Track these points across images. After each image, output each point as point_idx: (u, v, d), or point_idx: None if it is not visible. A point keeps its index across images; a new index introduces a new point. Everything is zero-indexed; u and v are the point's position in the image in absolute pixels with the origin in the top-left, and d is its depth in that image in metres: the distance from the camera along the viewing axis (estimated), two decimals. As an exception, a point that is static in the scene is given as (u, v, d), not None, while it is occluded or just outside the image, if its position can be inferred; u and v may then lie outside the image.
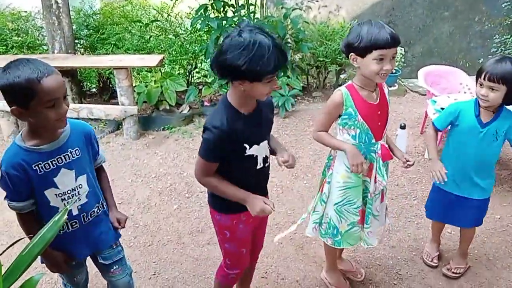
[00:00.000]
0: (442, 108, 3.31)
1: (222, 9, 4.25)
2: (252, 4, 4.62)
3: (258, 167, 1.71)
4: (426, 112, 3.87)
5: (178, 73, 4.94)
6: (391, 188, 3.28)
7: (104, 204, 1.76)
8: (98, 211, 1.72)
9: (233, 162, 1.65)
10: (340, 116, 1.87)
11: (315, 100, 5.07)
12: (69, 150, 1.57)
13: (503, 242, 2.72)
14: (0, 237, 2.88)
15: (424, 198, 3.15)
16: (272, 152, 1.77)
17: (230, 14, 4.43)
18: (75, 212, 1.63)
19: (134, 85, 4.18)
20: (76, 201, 1.62)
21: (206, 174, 1.66)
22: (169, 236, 2.83)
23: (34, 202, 1.57)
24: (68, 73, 4.04)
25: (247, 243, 1.87)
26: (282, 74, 4.53)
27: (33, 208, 1.58)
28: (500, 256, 2.60)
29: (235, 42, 1.44)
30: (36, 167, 1.50)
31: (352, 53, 1.76)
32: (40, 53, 4.64)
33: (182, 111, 4.55)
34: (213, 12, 4.37)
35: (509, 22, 6.24)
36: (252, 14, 4.56)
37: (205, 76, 5.37)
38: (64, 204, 1.59)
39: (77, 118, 3.95)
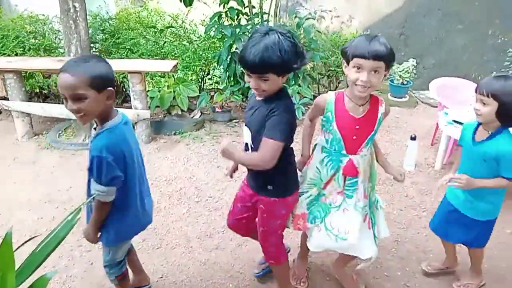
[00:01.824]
0: (454, 121, 3.31)
1: (236, 17, 4.30)
2: (266, 13, 4.67)
3: (243, 145, 1.94)
4: (437, 124, 3.86)
5: (191, 79, 4.99)
6: (400, 199, 3.28)
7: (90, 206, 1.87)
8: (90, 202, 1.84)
9: None
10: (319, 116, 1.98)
11: (326, 109, 5.08)
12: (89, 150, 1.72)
13: (513, 257, 2.69)
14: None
15: (433, 210, 3.12)
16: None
17: (243, 22, 4.48)
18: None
19: (147, 89, 4.23)
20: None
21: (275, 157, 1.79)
22: (178, 240, 2.84)
23: None
24: (83, 76, 4.10)
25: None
26: (293, 82, 4.56)
27: None
28: (511, 271, 2.57)
29: (258, 28, 1.68)
30: None
31: (344, 60, 1.82)
32: (56, 56, 4.72)
33: (193, 116, 4.59)
34: (227, 19, 4.42)
35: (523, 36, 6.20)
36: (265, 23, 4.60)
37: (217, 82, 5.42)
38: None
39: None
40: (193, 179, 3.58)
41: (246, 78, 1.72)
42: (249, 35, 1.67)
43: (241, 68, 1.73)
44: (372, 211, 2.09)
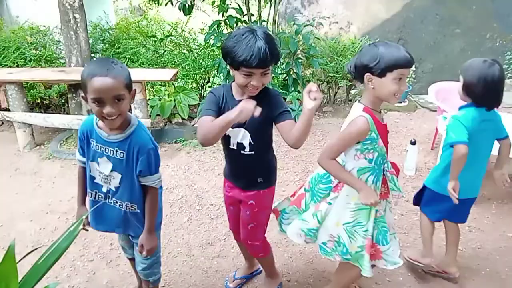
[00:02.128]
0: (453, 125, 3.31)
1: (235, 25, 4.33)
2: (265, 21, 4.71)
3: (231, 147, 1.93)
4: (436, 128, 3.87)
5: (191, 87, 5.02)
6: (401, 204, 3.28)
7: (136, 207, 1.86)
8: (131, 208, 1.86)
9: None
10: (359, 142, 1.80)
11: (326, 115, 5.11)
12: (116, 148, 1.74)
13: (515, 261, 2.69)
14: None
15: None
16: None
17: (242, 30, 4.50)
18: (104, 189, 1.85)
19: (148, 98, 4.26)
20: (107, 183, 1.83)
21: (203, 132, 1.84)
22: (179, 248, 2.85)
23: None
24: (84, 86, 4.14)
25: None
26: (293, 88, 4.59)
27: (82, 163, 1.88)
28: (512, 275, 2.57)
29: (235, 33, 1.72)
30: (92, 141, 1.77)
31: (368, 74, 1.72)
32: (57, 66, 4.76)
33: (194, 124, 4.62)
34: (226, 28, 4.46)
35: (521, 39, 6.23)
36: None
37: (217, 90, 5.44)
38: (99, 179, 1.83)
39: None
40: (194, 187, 3.59)
41: (243, 79, 1.72)
42: (233, 39, 1.70)
43: (241, 72, 1.71)
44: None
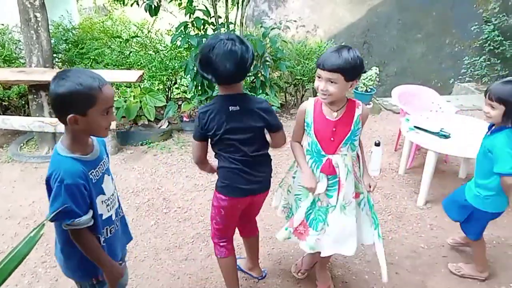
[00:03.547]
0: (415, 126, 3.43)
1: (202, 27, 4.31)
2: (232, 23, 4.71)
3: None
4: (400, 130, 3.99)
5: (158, 89, 4.96)
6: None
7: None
8: (121, 212, 1.78)
9: (220, 147, 1.98)
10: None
11: (293, 117, 5.16)
12: (104, 157, 1.63)
13: None
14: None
15: (398, 213, 3.24)
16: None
17: (210, 32, 4.50)
18: (113, 217, 1.67)
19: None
20: (114, 205, 1.67)
21: (196, 156, 2.05)
22: (146, 252, 2.80)
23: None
24: (46, 87, 3.99)
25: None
26: (261, 91, 4.61)
27: (91, 221, 1.52)
28: None
29: (211, 41, 1.79)
30: (91, 175, 1.51)
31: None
32: (16, 67, 4.58)
33: (161, 126, 4.56)
34: (193, 29, 4.43)
35: (477, 45, 6.54)
36: (231, 32, 4.63)
37: (185, 92, 5.40)
38: (107, 209, 1.62)
39: (54, 133, 3.92)
40: (161, 190, 3.54)
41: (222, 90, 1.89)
42: (216, 45, 1.75)
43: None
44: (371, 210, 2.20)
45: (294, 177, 2.24)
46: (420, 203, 3.35)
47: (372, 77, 5.28)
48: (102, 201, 1.59)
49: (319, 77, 1.87)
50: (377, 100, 5.64)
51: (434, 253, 2.83)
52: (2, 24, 4.96)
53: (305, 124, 2.04)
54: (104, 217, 1.60)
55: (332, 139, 1.98)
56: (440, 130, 3.33)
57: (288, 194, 2.31)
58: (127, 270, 1.94)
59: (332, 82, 1.83)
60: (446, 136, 3.28)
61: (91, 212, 1.51)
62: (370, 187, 2.14)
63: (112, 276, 1.63)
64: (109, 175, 1.65)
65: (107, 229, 1.63)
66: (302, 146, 2.16)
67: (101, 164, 1.60)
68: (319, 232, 2.10)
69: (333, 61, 1.80)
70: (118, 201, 1.75)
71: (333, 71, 1.80)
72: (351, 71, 1.82)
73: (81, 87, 1.37)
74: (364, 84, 5.28)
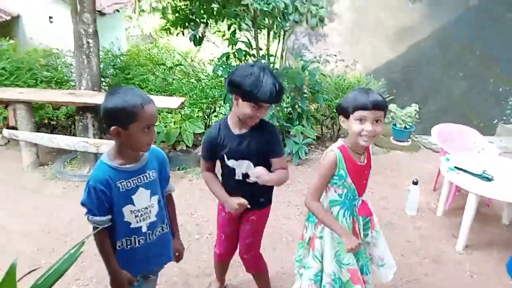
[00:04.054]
0: (456, 167, 3.33)
1: (243, 58, 4.44)
2: (272, 55, 4.82)
3: (237, 178, 2.04)
4: (439, 169, 3.88)
5: (197, 116, 5.09)
6: (402, 244, 3.25)
7: (168, 226, 1.87)
8: (161, 230, 1.83)
9: (222, 164, 2.07)
10: (331, 176, 1.92)
11: (329, 150, 5.13)
12: (147, 171, 1.70)
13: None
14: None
15: (435, 256, 3.11)
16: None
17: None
18: (144, 229, 1.74)
19: (153, 124, 4.31)
20: (146, 218, 1.73)
21: (204, 169, 2.16)
22: (176, 277, 2.81)
23: (111, 218, 1.66)
24: (92, 109, 4.20)
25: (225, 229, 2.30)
26: (297, 122, 4.64)
27: (109, 224, 1.66)
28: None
29: (247, 68, 1.84)
30: (119, 184, 1.63)
31: (340, 115, 1.88)
32: (67, 89, 4.85)
33: (198, 152, 4.65)
34: (235, 60, 4.56)
35: (523, 86, 6.34)
36: (271, 65, 4.74)
37: (223, 120, 5.50)
38: (137, 220, 1.71)
39: (96, 153, 4.07)
40: (195, 215, 3.58)
41: (250, 111, 1.87)
42: (245, 73, 1.83)
43: (250, 105, 1.86)
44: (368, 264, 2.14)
45: (321, 237, 2.01)
46: (459, 248, 3.20)
47: (411, 114, 5.21)
48: (131, 211, 1.69)
49: (361, 120, 1.78)
50: (416, 138, 5.53)
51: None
52: (57, 49, 5.29)
53: (337, 178, 1.90)
54: (132, 226, 1.70)
55: (364, 181, 1.99)
56: (483, 172, 3.21)
57: (317, 262, 2.03)
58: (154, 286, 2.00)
59: (378, 121, 1.79)
60: (489, 179, 3.16)
61: (107, 216, 1.64)
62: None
63: (115, 284, 1.73)
64: (147, 189, 1.71)
65: (134, 238, 1.72)
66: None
67: (140, 177, 1.69)
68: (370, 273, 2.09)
69: (376, 99, 1.76)
70: (167, 218, 1.85)
71: (380, 108, 1.77)
72: (387, 108, 1.88)
73: (126, 103, 1.52)
74: (403, 121, 5.21)
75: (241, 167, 2.02)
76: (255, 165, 1.97)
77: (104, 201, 1.61)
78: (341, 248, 1.95)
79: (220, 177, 2.17)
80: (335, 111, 1.99)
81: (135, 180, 1.67)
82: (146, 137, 1.58)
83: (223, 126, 2.01)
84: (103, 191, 1.60)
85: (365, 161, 1.95)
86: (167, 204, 1.89)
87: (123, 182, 1.64)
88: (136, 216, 1.70)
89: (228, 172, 2.05)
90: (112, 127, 1.55)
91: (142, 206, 1.71)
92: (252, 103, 1.84)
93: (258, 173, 1.89)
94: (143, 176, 1.69)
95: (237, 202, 1.99)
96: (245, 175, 2.02)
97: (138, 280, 1.84)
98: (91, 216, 1.63)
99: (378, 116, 1.78)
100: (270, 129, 2.03)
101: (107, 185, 1.60)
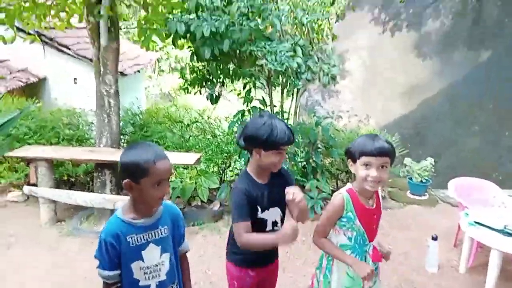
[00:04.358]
0: (476, 222, 3.26)
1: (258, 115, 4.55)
2: (286, 112, 4.94)
3: (267, 229, 1.98)
4: (459, 224, 3.79)
5: (212, 171, 5.15)
6: (424, 304, 3.12)
7: (179, 286, 1.82)
8: None
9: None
10: (339, 218, 1.95)
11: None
12: (159, 227, 1.70)
13: None
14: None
15: (460, 317, 2.96)
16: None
17: (265, 119, 4.73)
18: (152, 287, 1.70)
19: (170, 180, 4.37)
20: (156, 276, 1.70)
21: (243, 234, 1.87)
22: (190, 338, 2.72)
23: (120, 274, 1.65)
24: (110, 166, 4.30)
25: None
26: (312, 176, 4.65)
27: (119, 280, 1.65)
28: None
29: (258, 120, 1.88)
30: (130, 238, 1.63)
31: (349, 159, 1.95)
32: (87, 146, 5.01)
33: (213, 207, 4.65)
34: (250, 117, 4.69)
35: (540, 139, 6.29)
36: (285, 121, 4.85)
37: (238, 174, 5.55)
38: (146, 277, 1.68)
39: (113, 209, 4.12)
40: (209, 273, 3.52)
41: (274, 158, 1.88)
42: (259, 125, 1.85)
43: (273, 153, 1.88)
44: None
45: (326, 277, 2.04)
46: (485, 307, 3.06)
47: (427, 167, 5.18)
48: (140, 267, 1.66)
49: (366, 165, 1.85)
50: (433, 192, 5.45)
51: None
52: (80, 108, 5.53)
53: (345, 219, 1.94)
54: (140, 284, 1.67)
55: (374, 226, 1.99)
56: (505, 227, 3.13)
57: None
58: None
59: (383, 167, 1.85)
60: (511, 234, 3.07)
61: (116, 272, 1.64)
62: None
63: None
64: (158, 246, 1.69)
65: None
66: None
67: (152, 232, 1.68)
68: None
69: (382, 145, 1.83)
70: (178, 279, 1.80)
71: (385, 155, 1.83)
72: (394, 155, 1.89)
73: (139, 158, 1.56)
74: (418, 175, 5.18)
75: (272, 215, 2.01)
76: (282, 211, 2.01)
77: (113, 255, 1.61)
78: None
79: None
80: (345, 155, 2.00)
81: (146, 235, 1.66)
82: (157, 192, 1.59)
83: (248, 180, 1.96)
84: (112, 244, 1.60)
85: (374, 205, 1.98)
86: (181, 264, 1.84)
87: (134, 236, 1.63)
88: (145, 273, 1.68)
89: (259, 227, 1.98)
90: (125, 181, 1.59)
91: (152, 263, 1.68)
92: (274, 150, 1.86)
93: (293, 190, 1.81)
94: (154, 232, 1.68)
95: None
96: (274, 224, 2.01)
97: None
98: (100, 270, 1.64)
99: (383, 162, 1.84)
100: (285, 172, 2.09)
101: (117, 238, 1.61)
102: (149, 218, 1.67)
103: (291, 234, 1.76)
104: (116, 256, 1.62)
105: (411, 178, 5.27)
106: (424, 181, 5.19)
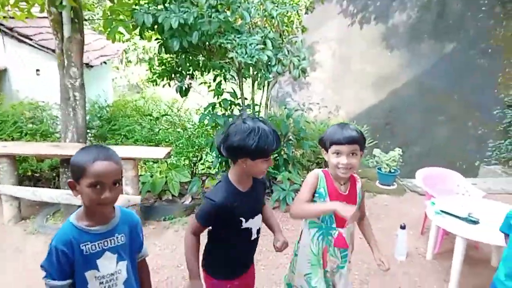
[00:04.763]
0: (442, 211, 3.36)
1: (229, 107, 4.52)
2: (257, 104, 4.92)
3: (252, 238, 1.94)
4: (425, 213, 3.90)
5: (183, 164, 5.08)
6: (393, 291, 3.20)
7: None
8: None
9: (230, 233, 1.87)
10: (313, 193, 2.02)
11: (316, 196, 5.13)
12: (115, 235, 1.62)
13: None
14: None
15: (427, 303, 3.06)
16: (270, 228, 2.04)
17: (236, 112, 4.70)
18: None
19: (139, 174, 4.28)
20: (112, 286, 1.63)
21: (193, 233, 1.87)
22: (162, 335, 2.70)
23: (72, 283, 1.57)
24: (77, 161, 4.17)
25: None
26: (283, 168, 4.67)
27: None
28: None
29: (242, 128, 1.73)
30: (84, 246, 1.55)
31: (322, 148, 2.03)
32: (52, 141, 4.83)
33: (184, 201, 4.60)
34: (221, 109, 4.64)
35: (501, 128, 6.55)
36: (257, 113, 4.83)
37: (209, 167, 5.51)
38: (101, 287, 1.60)
39: (80, 206, 3.99)
40: (181, 267, 3.48)
41: (264, 165, 1.78)
42: (243, 132, 1.72)
43: (262, 161, 1.77)
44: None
45: (296, 255, 2.18)
46: (451, 293, 3.17)
47: (395, 158, 5.30)
48: (95, 277, 1.59)
49: (337, 153, 1.93)
50: (401, 181, 5.59)
51: None
52: (43, 102, 5.32)
53: (317, 195, 2.00)
54: None
55: None
56: (468, 215, 3.24)
57: (293, 274, 2.20)
58: None
59: (353, 154, 1.92)
60: (475, 222, 3.18)
61: (67, 281, 1.55)
62: (384, 263, 2.10)
63: None
64: (114, 254, 1.61)
65: None
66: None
67: (107, 240, 1.60)
68: None
69: (350, 134, 1.91)
70: (137, 287, 1.72)
71: (354, 143, 1.90)
72: (364, 142, 1.97)
73: (80, 158, 1.52)
74: (387, 165, 5.29)
75: (257, 223, 1.95)
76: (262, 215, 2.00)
77: (64, 263, 1.53)
78: (313, 270, 2.07)
79: (212, 249, 1.99)
80: (319, 145, 2.04)
81: (101, 243, 1.58)
82: (93, 194, 1.49)
83: (229, 190, 1.83)
84: (64, 252, 1.52)
85: (347, 192, 2.03)
86: (140, 271, 1.77)
87: (88, 244, 1.55)
88: (100, 283, 1.60)
89: (243, 237, 1.91)
90: (69, 180, 1.56)
91: (107, 272, 1.61)
92: (263, 158, 1.76)
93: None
94: (110, 240, 1.60)
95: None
96: (258, 231, 1.96)
97: None
98: (48, 280, 1.54)
99: (353, 149, 1.92)
100: (263, 178, 1.98)
101: (70, 246, 1.52)
102: (104, 225, 1.59)
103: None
104: (68, 264, 1.54)
105: (380, 169, 5.38)
106: (392, 171, 5.30)
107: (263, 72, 4.40)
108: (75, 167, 1.52)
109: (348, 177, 2.04)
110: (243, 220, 1.85)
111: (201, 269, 1.96)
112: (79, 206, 1.63)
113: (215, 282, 1.97)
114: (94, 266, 1.58)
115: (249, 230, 1.90)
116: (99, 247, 1.58)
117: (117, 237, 1.63)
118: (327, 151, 1.99)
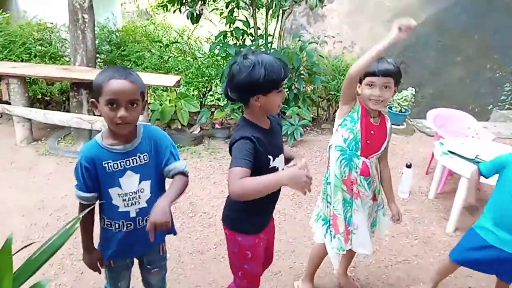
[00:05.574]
0: (449, 151, 3.36)
1: (241, 37, 4.38)
2: (270, 35, 4.77)
3: None
4: (432, 153, 3.91)
5: (193, 95, 5.06)
6: (393, 225, 3.29)
7: None
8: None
9: (261, 174, 1.52)
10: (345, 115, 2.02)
11: (324, 132, 5.15)
12: (138, 154, 1.63)
13: None
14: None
15: (425, 238, 3.16)
16: (288, 161, 1.79)
17: (248, 42, 4.57)
18: (132, 214, 1.68)
19: (149, 102, 4.28)
20: (135, 203, 1.67)
21: (239, 180, 1.49)
22: (169, 254, 2.82)
23: (98, 197, 1.66)
24: (87, 85, 4.15)
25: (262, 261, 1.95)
26: (293, 103, 4.63)
27: (94, 202, 1.66)
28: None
29: (245, 63, 1.58)
30: (106, 164, 1.60)
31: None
32: (61, 64, 4.79)
33: (193, 131, 4.64)
34: (232, 39, 4.51)
35: (520, 72, 6.34)
36: (269, 44, 4.69)
37: (218, 99, 5.49)
38: (125, 204, 1.66)
39: (91, 130, 4.05)
40: (189, 194, 3.59)
41: (279, 98, 1.64)
42: (245, 67, 1.57)
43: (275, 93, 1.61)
44: (377, 216, 2.27)
45: (329, 183, 2.12)
46: (450, 230, 3.26)
47: (408, 97, 5.21)
48: (118, 194, 1.64)
49: (370, 85, 1.93)
50: (411, 121, 5.55)
51: (460, 282, 2.75)
52: (51, 23, 5.20)
53: (349, 118, 1.99)
54: (119, 210, 1.66)
55: (368, 142, 2.02)
56: (476, 157, 3.24)
57: (328, 206, 2.17)
58: None
59: (386, 87, 1.92)
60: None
61: (92, 194, 1.64)
62: (398, 215, 2.22)
63: (85, 261, 1.78)
64: (137, 173, 1.64)
65: (123, 222, 1.69)
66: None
67: (129, 160, 1.62)
68: (356, 234, 2.15)
69: (386, 67, 1.90)
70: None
71: (388, 75, 1.90)
72: (399, 76, 1.95)
73: (99, 77, 1.53)
74: (398, 104, 5.22)
75: (281, 162, 1.78)
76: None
77: (88, 178, 1.60)
78: (334, 192, 2.09)
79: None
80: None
81: (122, 162, 1.61)
82: (110, 112, 1.50)
83: (252, 127, 1.65)
84: (87, 168, 1.58)
85: (377, 124, 2.04)
86: (173, 182, 1.67)
87: (110, 162, 1.59)
88: (124, 200, 1.65)
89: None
90: (91, 99, 1.58)
91: (130, 190, 1.64)
92: (275, 89, 1.60)
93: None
94: (132, 159, 1.62)
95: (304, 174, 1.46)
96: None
97: (110, 265, 1.82)
98: (77, 190, 1.65)
99: (386, 82, 1.92)
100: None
101: (92, 163, 1.58)
102: (127, 145, 1.61)
103: (300, 182, 1.43)
104: (91, 179, 1.60)
105: (390, 108, 5.32)
106: (403, 110, 5.25)
107: (278, 0, 4.21)
108: (94, 86, 1.54)
109: (379, 114, 2.05)
110: (271, 158, 1.70)
111: (222, 226, 1.87)
112: (90, 130, 1.63)
113: (244, 237, 1.81)
114: (117, 183, 1.63)
115: (276, 170, 1.72)
116: (121, 166, 1.61)
117: (139, 156, 1.64)
118: (360, 83, 1.98)
